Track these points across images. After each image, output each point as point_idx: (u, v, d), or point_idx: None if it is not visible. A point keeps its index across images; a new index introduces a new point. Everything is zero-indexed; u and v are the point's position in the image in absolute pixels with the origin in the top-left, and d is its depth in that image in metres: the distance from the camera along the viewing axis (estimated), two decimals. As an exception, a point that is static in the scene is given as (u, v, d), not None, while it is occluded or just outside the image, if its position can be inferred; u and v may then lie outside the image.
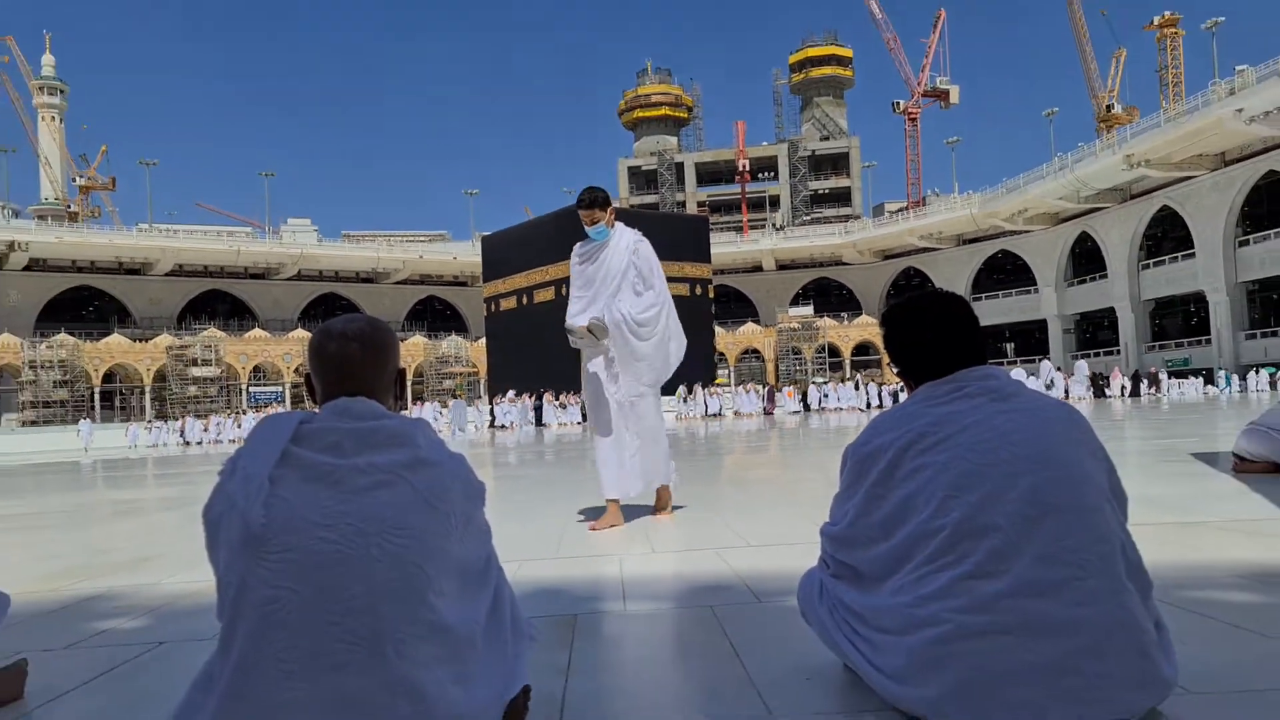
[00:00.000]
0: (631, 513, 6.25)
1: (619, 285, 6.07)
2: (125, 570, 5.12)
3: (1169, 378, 50.23)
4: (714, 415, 43.36)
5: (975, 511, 2.10)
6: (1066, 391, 40.27)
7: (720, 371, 64.05)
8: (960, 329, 2.38)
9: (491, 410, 44.11)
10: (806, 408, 48.48)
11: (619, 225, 6.20)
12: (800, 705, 2.33)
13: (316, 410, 2.08)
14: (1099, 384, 45.42)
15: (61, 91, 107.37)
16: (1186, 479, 7.29)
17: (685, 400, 44.22)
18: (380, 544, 1.88)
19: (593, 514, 6.34)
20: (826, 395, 50.07)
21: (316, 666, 1.81)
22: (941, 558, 2.12)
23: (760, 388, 50.77)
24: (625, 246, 6.14)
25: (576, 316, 6.11)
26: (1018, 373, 41.88)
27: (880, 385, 49.76)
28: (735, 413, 44.89)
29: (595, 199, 6.01)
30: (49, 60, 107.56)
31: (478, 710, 1.96)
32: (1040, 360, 45.90)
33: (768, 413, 45.08)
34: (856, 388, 49.64)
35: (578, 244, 6.34)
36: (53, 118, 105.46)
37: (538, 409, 41.75)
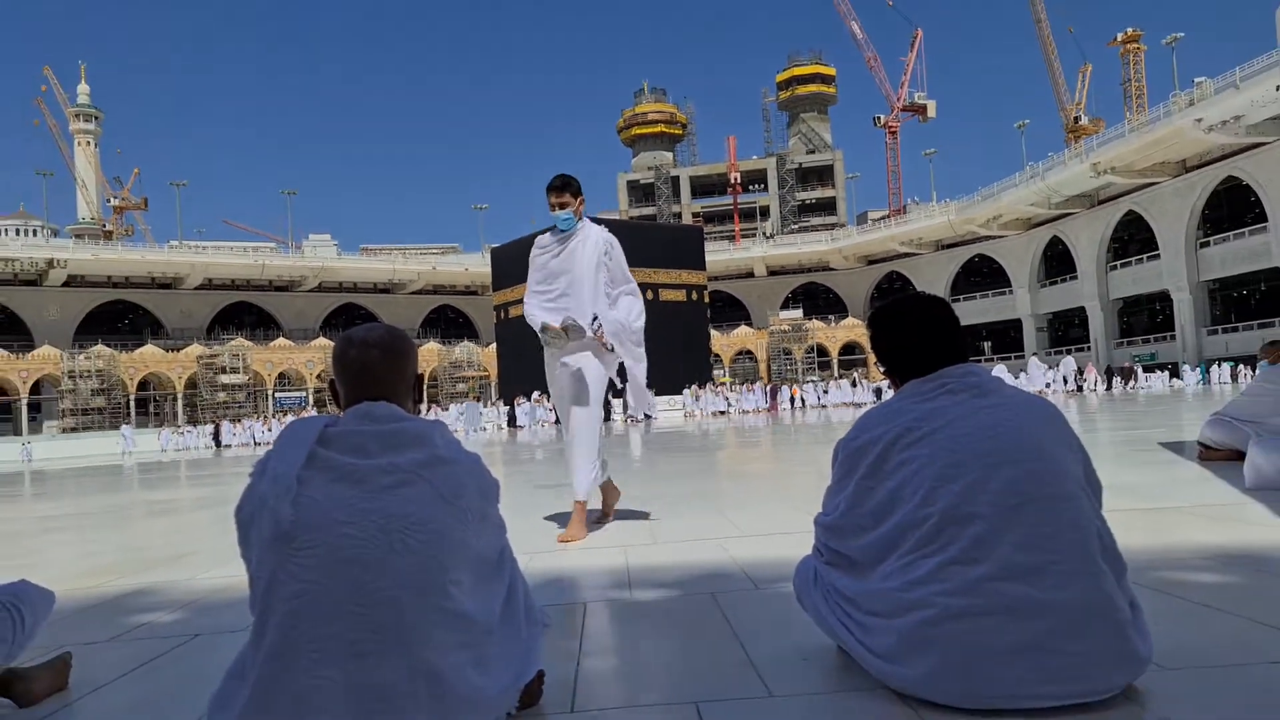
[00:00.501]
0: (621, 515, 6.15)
1: (594, 285, 5.40)
2: (162, 566, 5.12)
3: (1140, 369, 50.38)
4: (721, 413, 43.10)
5: (959, 501, 2.10)
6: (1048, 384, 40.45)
7: (716, 371, 63.98)
8: (943, 330, 2.39)
9: (512, 411, 43.54)
10: (803, 403, 48.39)
11: (587, 220, 5.55)
12: (797, 685, 2.33)
13: (340, 414, 2.09)
14: (1079, 379, 45.41)
15: (96, 118, 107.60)
16: (1156, 467, 7.28)
17: (697, 399, 44.02)
18: (402, 539, 1.89)
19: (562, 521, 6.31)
20: (826, 391, 50.01)
21: (343, 654, 1.82)
22: (928, 545, 2.12)
23: (764, 386, 50.68)
24: (595, 243, 5.45)
25: (546, 314, 5.40)
26: (999, 369, 41.90)
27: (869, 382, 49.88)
28: (741, 410, 44.51)
29: (569, 183, 5.36)
30: (84, 89, 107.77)
31: (495, 693, 1.97)
32: (1030, 357, 45.74)
33: (770, 409, 44.89)
34: (854, 385, 49.64)
35: (541, 235, 5.64)
36: (88, 142, 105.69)
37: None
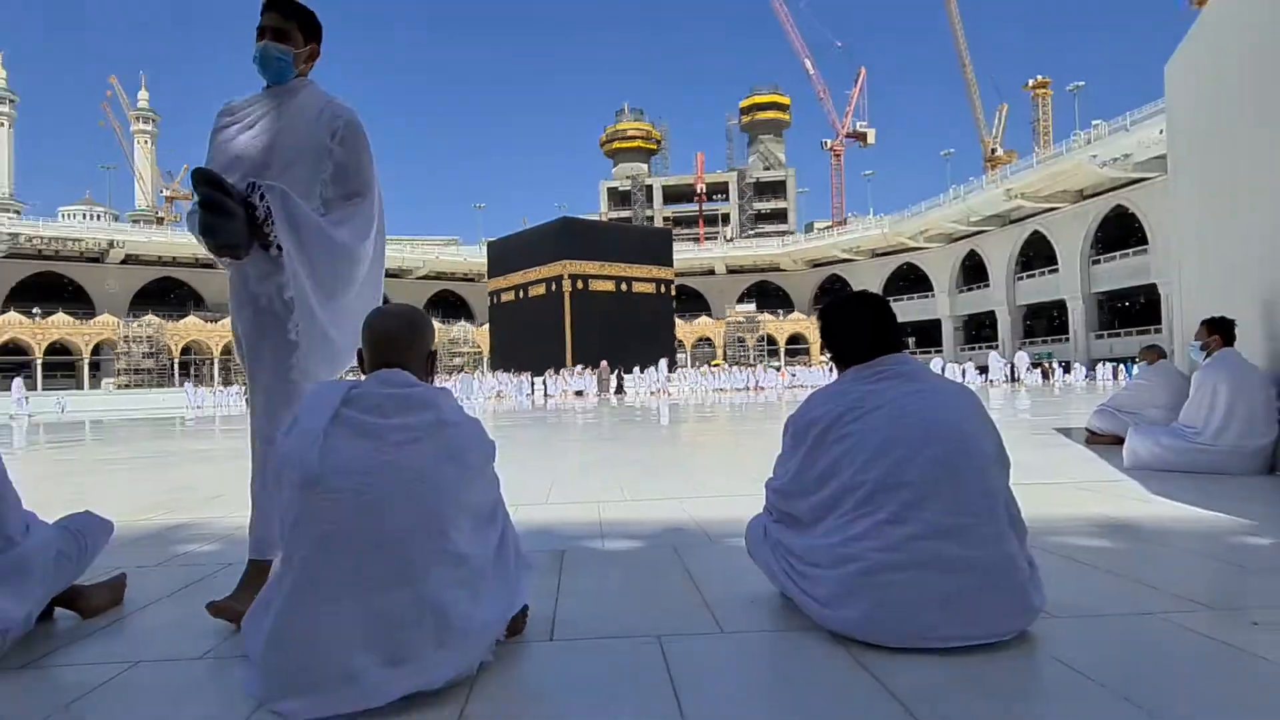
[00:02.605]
0: None
1: (306, 183, 2.65)
2: (202, 505, 5.06)
3: (1057, 365, 50.51)
4: (719, 390, 42.07)
5: (891, 471, 2.12)
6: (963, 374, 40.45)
7: (679, 355, 63.73)
8: (883, 324, 2.39)
9: (556, 382, 39.21)
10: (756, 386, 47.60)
11: (314, 82, 2.85)
12: (745, 624, 2.35)
13: (361, 379, 2.08)
14: (986, 371, 45.18)
15: (153, 120, 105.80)
16: (1051, 449, 7.35)
17: (705, 376, 43.25)
18: (412, 489, 1.90)
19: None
20: (794, 375, 48.97)
21: (358, 587, 1.83)
22: (863, 507, 2.14)
23: (761, 369, 49.60)
24: (320, 112, 2.76)
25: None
26: (936, 362, 41.81)
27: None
28: (734, 389, 43.29)
29: (299, 10, 2.77)
30: (144, 95, 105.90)
31: (487, 624, 1.98)
32: (989, 350, 45.19)
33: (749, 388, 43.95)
34: (830, 369, 48.44)
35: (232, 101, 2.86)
36: (146, 141, 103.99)
37: (601, 379, 38.21)
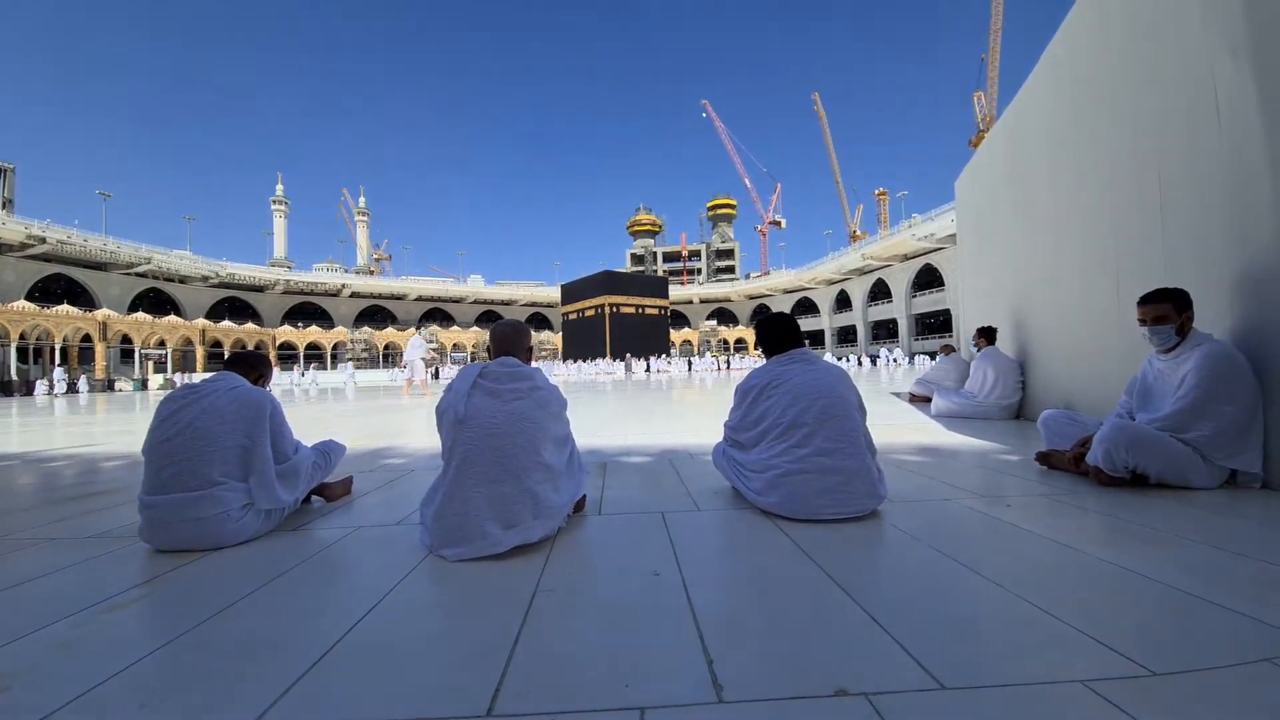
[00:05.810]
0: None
1: None
2: (393, 436, 5.07)
3: (897, 355, 50.02)
4: (715, 370, 40.56)
5: (796, 417, 2.10)
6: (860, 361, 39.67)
7: (672, 351, 63.29)
8: (792, 330, 2.37)
9: (648, 363, 38.54)
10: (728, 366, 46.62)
11: None
12: (712, 505, 2.32)
13: (489, 362, 2.07)
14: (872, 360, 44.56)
15: (367, 214, 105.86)
16: (890, 403, 7.28)
17: (699, 359, 42.46)
18: (518, 425, 1.88)
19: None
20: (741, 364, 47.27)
21: (486, 481, 1.82)
22: (780, 438, 2.12)
23: (747, 356, 48.20)
24: None
25: None
26: (828, 355, 41.20)
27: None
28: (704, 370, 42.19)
29: None
30: (363, 200, 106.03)
31: (562, 504, 1.96)
32: (888, 347, 44.68)
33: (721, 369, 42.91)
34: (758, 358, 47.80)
35: None
36: (364, 226, 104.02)
37: (627, 365, 37.24)
